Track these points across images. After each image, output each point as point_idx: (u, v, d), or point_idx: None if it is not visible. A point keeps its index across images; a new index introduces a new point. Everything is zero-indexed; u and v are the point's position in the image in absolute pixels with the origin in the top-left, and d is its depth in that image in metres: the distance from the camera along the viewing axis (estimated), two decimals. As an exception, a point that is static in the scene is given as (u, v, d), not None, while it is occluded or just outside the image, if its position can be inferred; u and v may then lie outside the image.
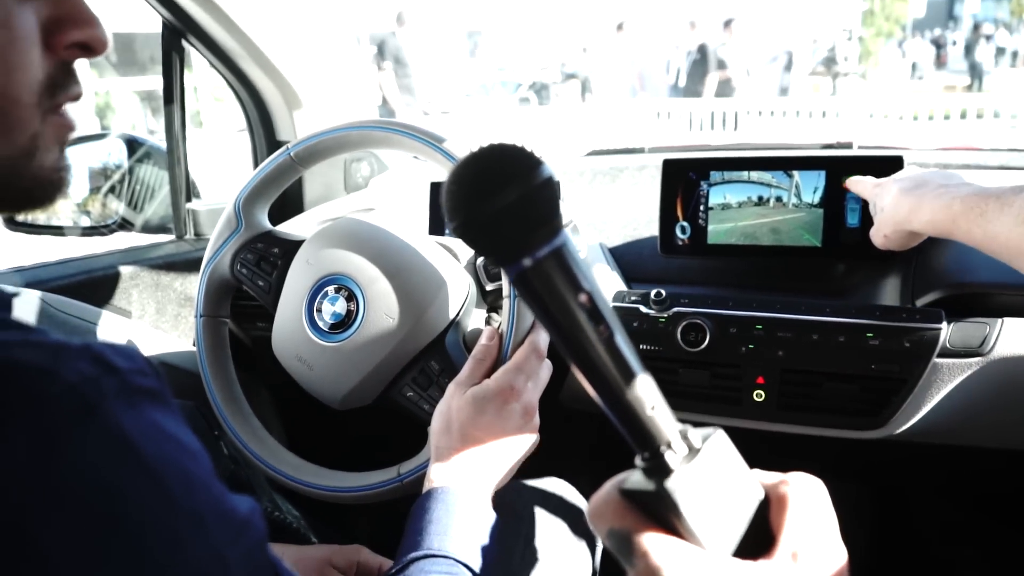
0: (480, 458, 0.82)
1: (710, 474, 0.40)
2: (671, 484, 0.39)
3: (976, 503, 1.62)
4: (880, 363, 1.06)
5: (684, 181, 1.27)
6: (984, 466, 1.47)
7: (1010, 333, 1.03)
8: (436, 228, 1.47)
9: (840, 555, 0.41)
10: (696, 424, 0.42)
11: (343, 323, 1.01)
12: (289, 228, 1.21)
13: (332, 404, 1.05)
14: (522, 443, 0.85)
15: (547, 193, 0.38)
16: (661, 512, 0.40)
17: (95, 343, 0.40)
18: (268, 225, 1.15)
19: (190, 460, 0.40)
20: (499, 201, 0.37)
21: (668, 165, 1.28)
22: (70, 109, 0.53)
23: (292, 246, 1.11)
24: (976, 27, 16.38)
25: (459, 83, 16.79)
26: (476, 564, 0.72)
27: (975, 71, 14.67)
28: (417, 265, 1.02)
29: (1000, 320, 1.04)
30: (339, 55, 1.64)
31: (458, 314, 1.02)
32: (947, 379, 1.04)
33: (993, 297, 1.06)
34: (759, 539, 0.41)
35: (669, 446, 0.40)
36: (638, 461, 0.42)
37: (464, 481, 0.80)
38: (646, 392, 0.40)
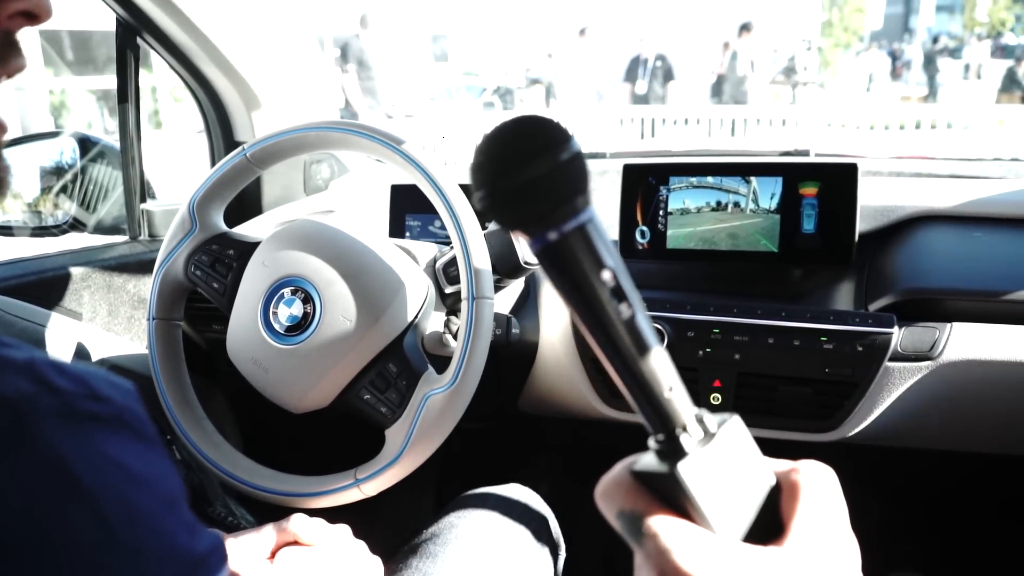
0: None
1: (724, 459, 0.40)
2: (684, 467, 0.39)
3: (927, 506, 1.66)
4: (834, 367, 1.07)
5: (644, 186, 1.28)
6: (936, 468, 1.51)
7: (959, 338, 1.05)
8: (396, 230, 1.47)
9: (851, 544, 0.41)
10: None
11: (299, 325, 1.00)
12: (246, 230, 1.20)
13: (288, 407, 1.03)
14: None
15: (577, 167, 0.38)
16: (673, 494, 0.40)
17: (42, 360, 0.38)
18: (223, 226, 1.14)
19: (138, 491, 0.38)
20: (529, 172, 0.37)
21: (628, 170, 1.29)
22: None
23: (248, 248, 1.09)
24: (933, 40, 16.78)
25: (423, 86, 16.75)
26: None
27: (930, 82, 15.03)
28: (375, 267, 1.01)
29: (949, 325, 1.06)
30: (299, 55, 1.62)
31: (416, 316, 1.01)
32: (898, 382, 1.06)
33: (943, 302, 1.08)
34: (770, 525, 0.41)
35: (685, 429, 0.40)
36: (651, 443, 0.41)
37: None
38: (665, 373, 0.40)
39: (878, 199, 1.26)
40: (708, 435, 0.40)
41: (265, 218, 1.56)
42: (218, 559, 0.41)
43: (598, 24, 9.70)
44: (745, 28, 8.58)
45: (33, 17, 0.50)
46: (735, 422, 0.42)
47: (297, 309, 1.01)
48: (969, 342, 1.05)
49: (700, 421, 0.41)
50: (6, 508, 0.33)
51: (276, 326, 1.01)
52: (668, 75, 8.31)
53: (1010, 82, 11.06)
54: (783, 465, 0.44)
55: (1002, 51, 18.60)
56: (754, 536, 0.40)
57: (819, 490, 0.41)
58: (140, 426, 0.40)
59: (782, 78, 12.59)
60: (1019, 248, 1.15)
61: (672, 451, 0.40)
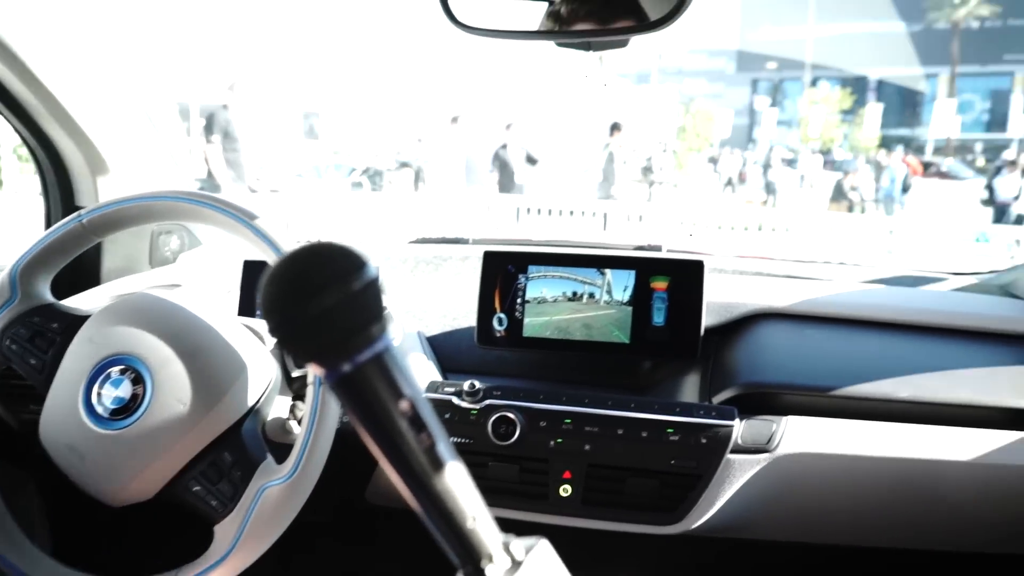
0: None
1: None
2: None
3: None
4: (679, 459, 1.10)
5: (503, 273, 1.29)
6: (787, 561, 1.55)
7: (793, 431, 1.10)
8: (247, 309, 1.40)
9: None
10: (511, 527, 0.41)
11: (126, 408, 0.92)
12: (76, 302, 1.11)
13: (105, 500, 0.94)
14: None
15: (369, 296, 0.37)
16: None
17: None
18: (49, 297, 1.05)
19: None
20: (316, 305, 0.36)
21: (488, 257, 1.30)
22: None
23: (75, 321, 1.01)
24: (771, 149, 18.37)
25: (291, 162, 16.56)
26: None
27: (770, 188, 16.36)
28: (216, 346, 0.95)
29: (785, 418, 1.11)
30: (156, 122, 1.56)
31: (259, 401, 0.96)
32: (739, 474, 1.10)
33: (780, 396, 1.14)
34: None
35: (491, 559, 0.39)
36: None
37: None
38: (469, 503, 0.39)
39: (722, 296, 1.32)
40: (515, 564, 0.40)
41: (100, 291, 1.45)
42: None
43: (470, 113, 10.00)
44: (616, 128, 9.05)
45: None
46: (543, 547, 0.41)
47: (125, 390, 0.93)
48: (802, 435, 1.10)
49: (507, 549, 0.40)
50: None
51: (99, 409, 0.93)
52: (532, 163, 8.60)
53: (839, 193, 12.19)
54: None
55: (832, 165, 20.60)
56: None
57: None
58: None
59: (640, 176, 13.34)
60: (847, 346, 1.23)
61: None
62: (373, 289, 0.37)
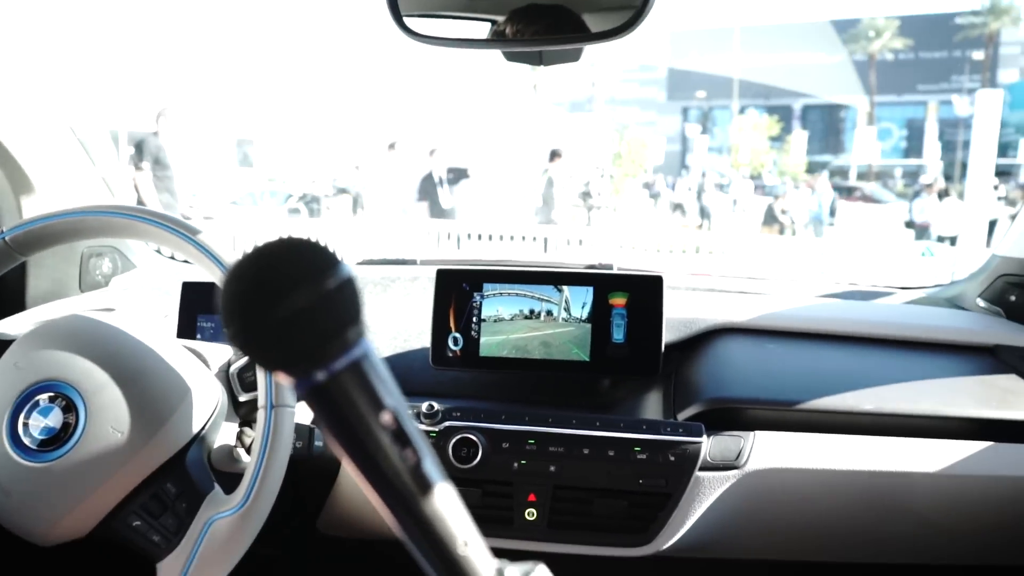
0: None
1: None
2: None
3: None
4: (648, 477, 1.07)
5: (457, 292, 1.25)
6: None
7: (761, 446, 1.09)
8: (186, 331, 1.33)
9: None
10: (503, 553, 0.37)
11: (57, 438, 0.85)
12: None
13: (34, 539, 0.86)
14: None
15: (345, 297, 0.33)
16: None
17: None
18: (-33, 322, 0.97)
19: None
20: (287, 306, 0.32)
21: (442, 275, 1.26)
22: None
23: (-2, 347, 0.93)
24: (704, 175, 18.87)
25: (226, 190, 16.24)
26: None
27: (704, 213, 16.74)
28: (156, 371, 0.89)
29: (753, 434, 1.10)
30: (86, 144, 1.48)
31: (204, 428, 0.90)
32: (708, 492, 1.07)
33: (746, 411, 1.12)
34: None
35: None
36: None
37: None
38: (459, 526, 0.36)
39: (680, 312, 1.31)
40: None
41: (27, 315, 1.36)
42: None
43: (407, 139, 9.98)
44: (556, 154, 9.15)
45: None
46: (540, 572, 0.38)
47: (55, 419, 0.85)
48: (771, 451, 1.08)
49: None
50: None
51: (26, 440, 0.86)
52: (459, 184, 8.60)
53: (770, 217, 12.53)
54: None
55: (762, 189, 21.23)
56: None
57: None
58: None
59: (579, 201, 13.48)
60: (809, 360, 1.23)
61: None
62: (349, 289, 0.34)
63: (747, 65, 35.63)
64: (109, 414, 0.85)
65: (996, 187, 12.05)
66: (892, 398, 1.11)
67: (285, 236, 0.34)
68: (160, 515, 0.85)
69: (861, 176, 27.48)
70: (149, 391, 0.87)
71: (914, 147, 31.42)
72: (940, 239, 10.65)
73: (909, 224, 12.84)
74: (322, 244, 0.34)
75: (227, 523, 0.83)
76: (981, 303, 1.43)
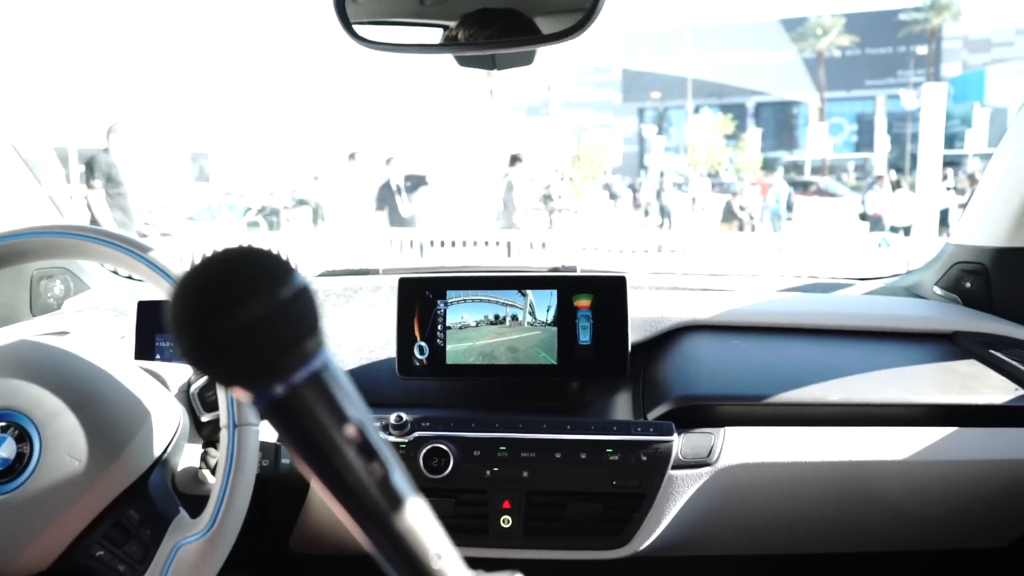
0: None
1: None
2: None
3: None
4: (621, 478, 1.07)
5: (421, 300, 1.24)
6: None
7: (732, 442, 1.09)
8: (144, 352, 1.30)
9: None
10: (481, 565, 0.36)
11: (10, 470, 0.82)
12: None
13: (-9, 576, 0.83)
14: None
15: (302, 306, 0.32)
16: None
17: None
18: (-88, 352, 0.93)
19: None
20: (240, 318, 0.30)
21: (404, 284, 1.25)
22: None
23: (-55, 377, 0.89)
24: (662, 175, 19.05)
25: (183, 205, 15.97)
26: None
27: (664, 212, 16.91)
28: (113, 395, 0.86)
29: (723, 430, 1.10)
30: (32, 163, 1.44)
31: (166, 451, 0.87)
32: (682, 490, 1.07)
33: (716, 408, 1.13)
34: None
35: None
36: None
37: None
38: (431, 538, 0.34)
39: (644, 311, 1.31)
40: None
41: (-25, 342, 1.31)
42: None
43: (367, 148, 9.91)
44: (516, 159, 9.15)
45: None
46: None
47: (7, 450, 0.82)
48: (741, 446, 1.09)
49: None
50: None
51: (-22, 473, 0.82)
52: (418, 192, 8.57)
53: (729, 213, 12.69)
54: None
55: (720, 187, 21.50)
56: None
57: None
58: None
59: (540, 204, 13.52)
60: (774, 354, 1.24)
61: None
62: (306, 297, 0.32)
63: (700, 65, 36.08)
64: (65, 442, 0.82)
65: (945, 177, 12.34)
66: (857, 388, 1.12)
67: (235, 245, 0.33)
68: (124, 543, 0.82)
69: (815, 171, 27.98)
70: (106, 416, 0.85)
71: (865, 141, 32.08)
72: (894, 229, 10.88)
73: (863, 216, 13.10)
74: (275, 252, 0.33)
75: (195, 548, 0.80)
76: (938, 291, 1.46)
